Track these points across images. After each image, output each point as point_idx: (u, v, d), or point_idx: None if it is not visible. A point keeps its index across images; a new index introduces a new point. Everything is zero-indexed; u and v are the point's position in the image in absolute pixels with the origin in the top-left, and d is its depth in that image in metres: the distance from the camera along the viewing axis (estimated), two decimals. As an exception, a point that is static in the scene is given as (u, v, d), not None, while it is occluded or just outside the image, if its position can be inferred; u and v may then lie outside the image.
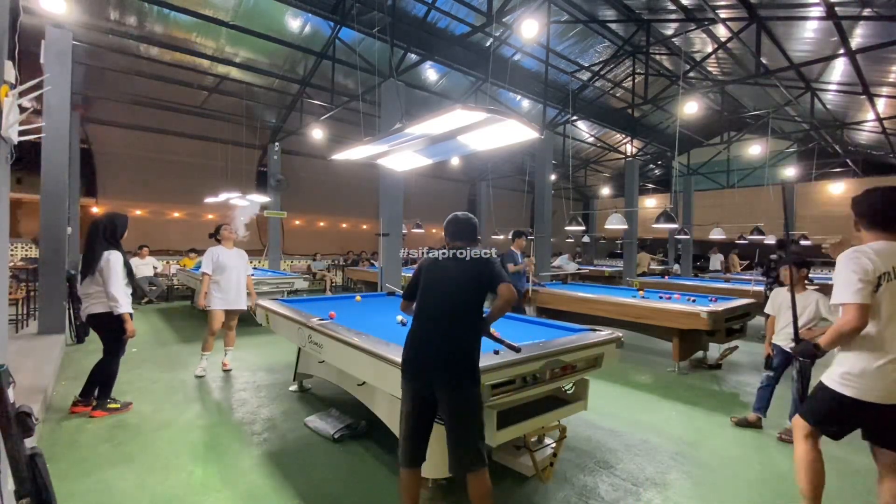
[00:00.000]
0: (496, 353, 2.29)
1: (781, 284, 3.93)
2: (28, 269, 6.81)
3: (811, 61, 7.21)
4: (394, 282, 6.39)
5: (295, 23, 7.77)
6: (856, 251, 1.89)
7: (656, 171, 17.43)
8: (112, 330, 3.40)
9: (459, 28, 8.03)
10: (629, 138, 11.81)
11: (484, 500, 1.90)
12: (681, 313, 4.72)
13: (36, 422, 1.42)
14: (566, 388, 2.78)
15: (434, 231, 14.46)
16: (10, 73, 2.48)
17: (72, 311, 5.74)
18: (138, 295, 8.35)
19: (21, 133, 2.61)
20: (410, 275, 2.32)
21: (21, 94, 2.50)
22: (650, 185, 17.67)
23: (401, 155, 3.34)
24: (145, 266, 9.10)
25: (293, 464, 2.75)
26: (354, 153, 3.39)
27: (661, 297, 5.73)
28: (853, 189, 12.25)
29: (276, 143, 10.81)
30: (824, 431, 2.04)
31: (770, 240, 10.41)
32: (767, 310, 3.56)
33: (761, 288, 6.73)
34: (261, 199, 7.99)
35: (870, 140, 11.68)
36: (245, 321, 6.59)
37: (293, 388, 4.11)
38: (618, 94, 11.53)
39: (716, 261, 13.61)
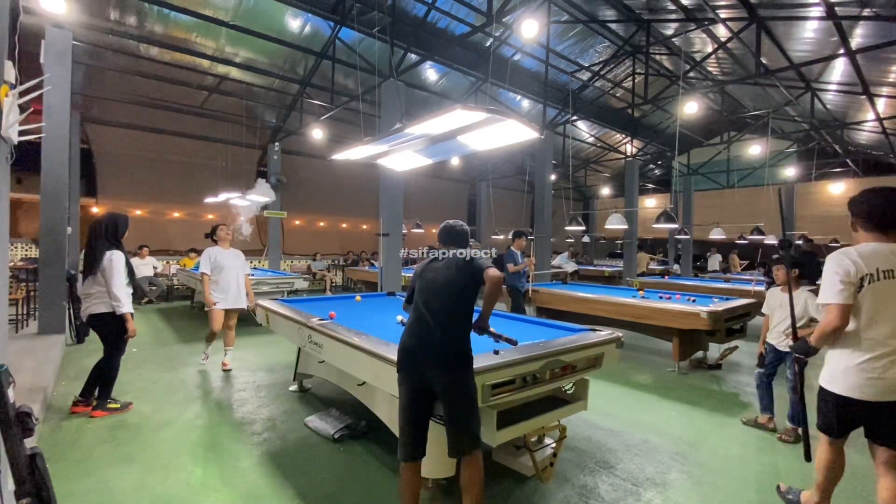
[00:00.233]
0: (496, 352, 2.29)
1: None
2: (28, 269, 6.81)
3: (811, 61, 7.21)
4: (393, 282, 6.40)
5: (295, 23, 7.77)
6: (840, 253, 1.94)
7: (656, 171, 17.43)
8: (113, 330, 3.41)
9: (459, 28, 8.04)
10: (629, 138, 11.82)
11: (474, 486, 1.94)
12: (681, 313, 4.71)
13: (36, 422, 1.42)
14: (566, 388, 2.78)
15: (434, 231, 14.40)
16: (10, 73, 2.48)
17: (72, 311, 5.74)
18: (138, 295, 8.35)
19: (21, 133, 2.61)
20: (410, 275, 2.36)
21: (21, 94, 2.50)
22: (650, 185, 17.67)
23: (401, 155, 3.34)
24: (145, 266, 9.10)
25: (293, 464, 2.75)
26: (354, 153, 3.39)
27: (661, 297, 5.73)
28: (853, 189, 12.25)
29: (276, 143, 10.82)
30: (825, 431, 2.06)
31: (770, 240, 10.42)
32: (763, 309, 3.61)
33: (762, 288, 6.73)
34: (261, 198, 7.99)
35: (870, 140, 11.68)
36: (245, 321, 6.59)
37: (293, 388, 4.11)
38: (618, 94, 11.53)
39: (714, 261, 13.62)
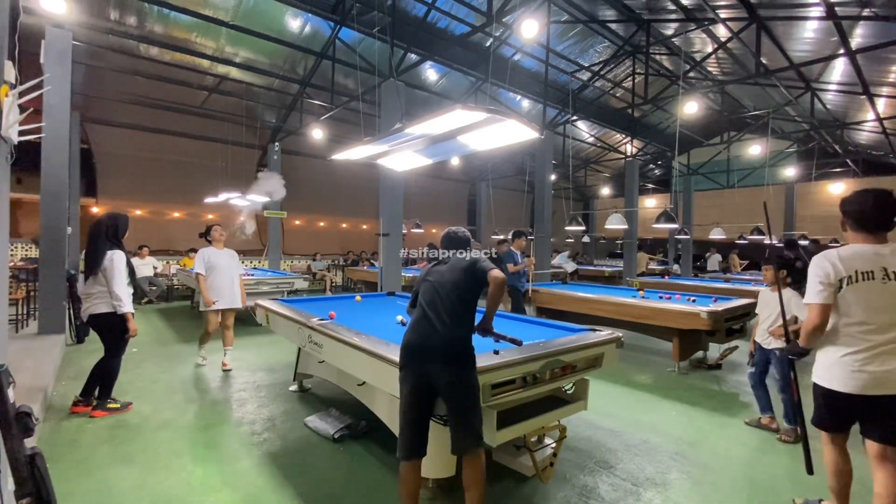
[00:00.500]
0: (496, 352, 2.29)
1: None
2: (28, 269, 6.81)
3: (811, 61, 7.21)
4: (393, 282, 6.40)
5: (295, 23, 7.77)
6: (822, 256, 2.04)
7: (656, 171, 17.43)
8: (114, 330, 3.41)
9: (459, 28, 8.04)
10: (629, 138, 11.81)
11: (476, 485, 1.95)
12: (681, 313, 4.71)
13: (36, 422, 1.42)
14: (566, 388, 2.78)
15: (434, 231, 14.46)
16: (10, 73, 2.48)
17: (72, 311, 5.74)
18: (138, 295, 8.35)
19: (21, 133, 2.61)
20: (410, 275, 2.39)
21: (21, 94, 2.50)
22: (650, 185, 17.67)
23: (401, 155, 3.34)
24: (145, 266, 9.11)
25: (293, 464, 2.75)
26: (354, 153, 3.40)
27: (661, 297, 5.73)
28: (853, 189, 12.25)
29: (276, 143, 10.81)
30: (819, 426, 2.12)
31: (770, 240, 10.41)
32: (756, 309, 3.68)
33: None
34: (261, 198, 8.00)
35: (870, 140, 11.68)
36: (245, 321, 6.59)
37: (293, 388, 4.11)
38: (618, 94, 11.53)
39: (714, 261, 13.61)
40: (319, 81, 8.90)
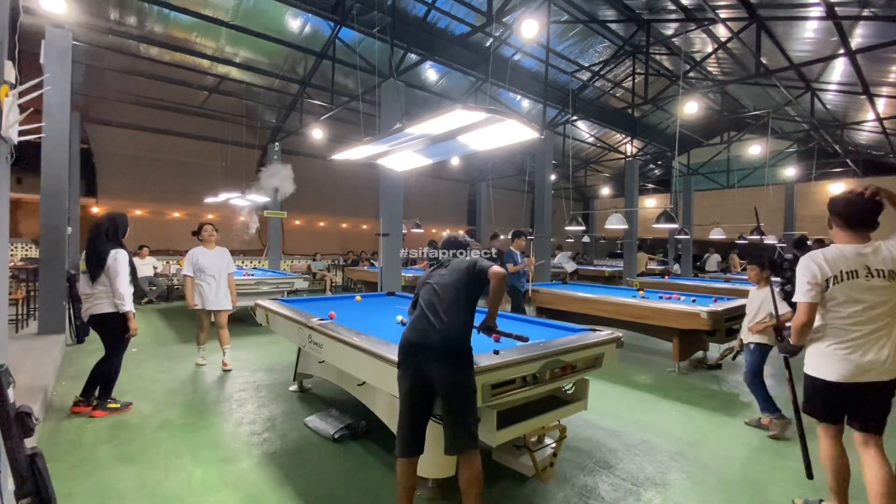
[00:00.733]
0: (496, 352, 2.29)
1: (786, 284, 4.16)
2: (28, 269, 6.80)
3: (811, 61, 7.21)
4: (393, 282, 6.40)
5: (295, 23, 7.77)
6: (809, 258, 2.16)
7: (656, 171, 17.43)
8: (115, 329, 3.42)
9: (459, 28, 8.04)
10: (629, 138, 11.81)
11: (473, 486, 1.94)
12: (681, 313, 4.71)
13: (36, 422, 1.42)
14: (566, 388, 2.78)
15: (434, 231, 14.46)
16: (10, 73, 2.48)
17: (72, 311, 5.74)
18: (138, 295, 8.35)
19: (21, 133, 2.61)
20: (410, 275, 2.42)
21: (21, 94, 2.50)
22: (650, 185, 17.67)
23: (401, 155, 3.34)
24: (145, 266, 9.10)
25: (293, 464, 2.75)
26: (354, 153, 3.40)
27: (661, 297, 5.73)
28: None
29: (276, 143, 10.82)
30: (810, 413, 2.20)
31: (770, 240, 10.43)
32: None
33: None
34: (261, 198, 8.00)
35: (870, 140, 11.68)
36: (245, 321, 6.59)
37: (293, 388, 4.11)
38: (618, 94, 11.53)
39: (712, 262, 13.61)
40: (319, 81, 8.90)
